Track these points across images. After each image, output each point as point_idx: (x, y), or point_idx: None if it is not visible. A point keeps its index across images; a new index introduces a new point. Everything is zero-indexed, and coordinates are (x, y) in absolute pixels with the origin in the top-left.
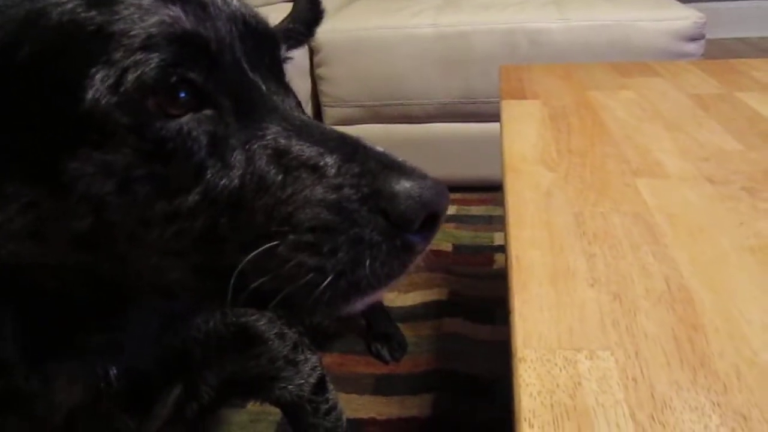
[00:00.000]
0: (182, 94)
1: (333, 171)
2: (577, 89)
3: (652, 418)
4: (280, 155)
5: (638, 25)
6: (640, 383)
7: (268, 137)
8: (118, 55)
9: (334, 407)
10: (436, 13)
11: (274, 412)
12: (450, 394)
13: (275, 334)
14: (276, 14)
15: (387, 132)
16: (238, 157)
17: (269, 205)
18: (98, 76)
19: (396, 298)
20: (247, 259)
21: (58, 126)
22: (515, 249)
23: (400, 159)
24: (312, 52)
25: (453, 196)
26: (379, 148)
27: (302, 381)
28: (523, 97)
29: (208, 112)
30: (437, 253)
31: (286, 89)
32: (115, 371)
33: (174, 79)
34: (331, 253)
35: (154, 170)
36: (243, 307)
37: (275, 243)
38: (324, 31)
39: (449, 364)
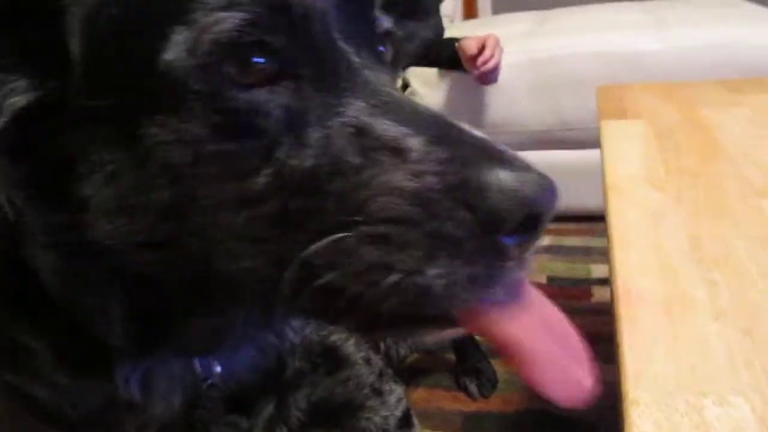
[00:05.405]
0: (260, 60)
1: (416, 155)
2: (683, 107)
3: None
4: (360, 134)
5: (746, 43)
6: None
7: (350, 113)
8: (197, 16)
9: None
10: (525, 38)
11: None
12: None
13: (362, 357)
14: None
15: None
16: (314, 135)
17: (343, 190)
18: (177, 38)
19: None
20: (308, 250)
21: (138, 89)
22: (622, 275)
23: (502, 146)
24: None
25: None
26: (478, 133)
27: (388, 413)
28: (625, 117)
29: (286, 83)
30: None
31: (382, 62)
32: (217, 371)
33: (250, 39)
34: (401, 247)
35: (225, 146)
36: (307, 307)
37: (345, 234)
38: None
39: (543, 404)
